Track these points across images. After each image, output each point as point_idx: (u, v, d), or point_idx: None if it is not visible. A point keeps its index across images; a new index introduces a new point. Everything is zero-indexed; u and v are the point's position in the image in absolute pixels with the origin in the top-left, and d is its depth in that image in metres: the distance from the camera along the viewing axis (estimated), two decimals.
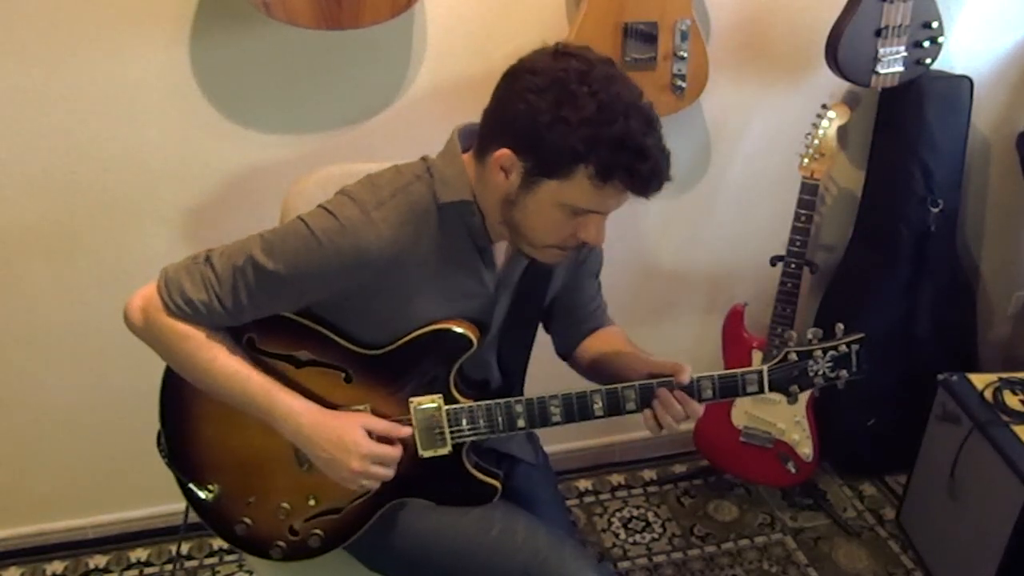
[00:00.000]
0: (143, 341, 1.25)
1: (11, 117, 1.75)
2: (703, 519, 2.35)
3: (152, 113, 1.82)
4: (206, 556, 2.20)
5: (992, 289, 2.57)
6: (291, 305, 1.25)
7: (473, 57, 1.92)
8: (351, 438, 1.22)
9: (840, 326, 1.30)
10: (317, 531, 1.35)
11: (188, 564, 2.17)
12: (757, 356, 2.17)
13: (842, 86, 2.14)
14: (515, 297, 1.35)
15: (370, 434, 1.24)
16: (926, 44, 1.98)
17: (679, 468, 2.53)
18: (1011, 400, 1.97)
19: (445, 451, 1.30)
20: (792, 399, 1.32)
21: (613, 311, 1.53)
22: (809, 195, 2.02)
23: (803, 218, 2.04)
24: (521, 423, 1.29)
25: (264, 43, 1.80)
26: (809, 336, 1.29)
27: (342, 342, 1.27)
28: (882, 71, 1.97)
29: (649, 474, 2.52)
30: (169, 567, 2.17)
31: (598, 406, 1.27)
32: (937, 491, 2.09)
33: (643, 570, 2.19)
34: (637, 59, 1.86)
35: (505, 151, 1.13)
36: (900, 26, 1.92)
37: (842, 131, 2.03)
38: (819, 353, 1.28)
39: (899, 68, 1.98)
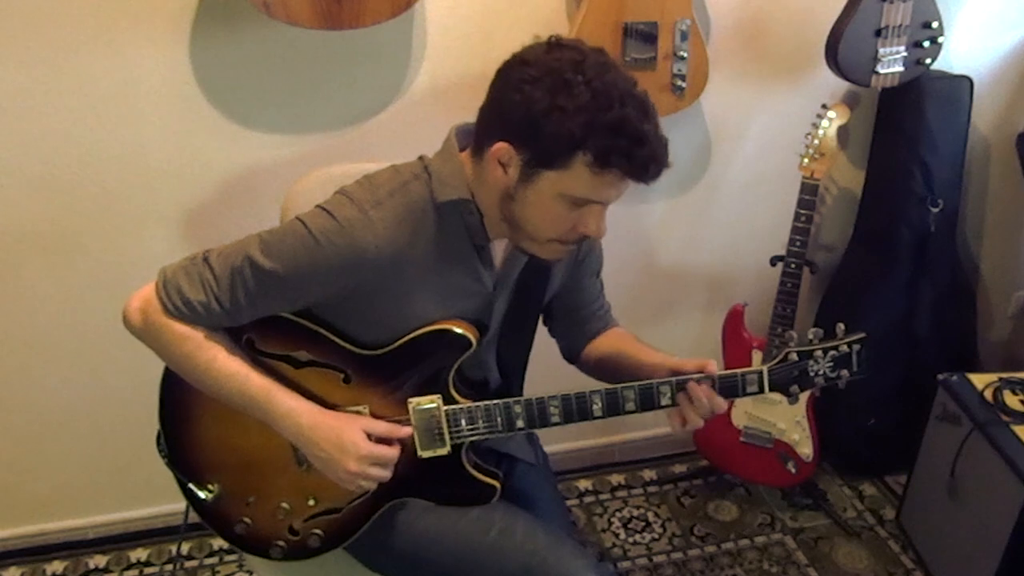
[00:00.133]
0: (142, 342, 1.25)
1: (12, 117, 1.75)
2: (703, 519, 2.35)
3: (152, 113, 1.82)
4: (206, 556, 2.20)
5: (992, 289, 2.57)
6: (290, 305, 1.25)
7: (473, 57, 1.92)
8: (349, 439, 1.22)
9: (841, 326, 1.30)
10: (317, 531, 1.35)
11: (188, 564, 2.17)
12: (757, 356, 2.17)
13: (842, 86, 2.14)
14: (514, 296, 1.35)
15: (369, 437, 1.24)
16: (926, 44, 1.98)
17: (679, 468, 2.53)
18: (1011, 400, 1.97)
19: (444, 451, 1.30)
20: (793, 399, 1.31)
21: (613, 311, 1.52)
22: (809, 195, 2.02)
23: (803, 218, 2.03)
24: (520, 423, 1.29)
25: (264, 43, 1.80)
26: (810, 336, 1.28)
27: (341, 342, 1.27)
28: (882, 71, 1.97)
29: (649, 474, 2.52)
30: (169, 567, 2.17)
31: (597, 407, 1.27)
32: (937, 491, 2.08)
33: (643, 570, 2.19)
34: (637, 59, 1.86)
35: (502, 144, 1.13)
36: (900, 26, 1.92)
37: (842, 131, 2.03)
38: (820, 353, 1.28)
39: (899, 68, 1.98)
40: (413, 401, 1.27)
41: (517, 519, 1.34)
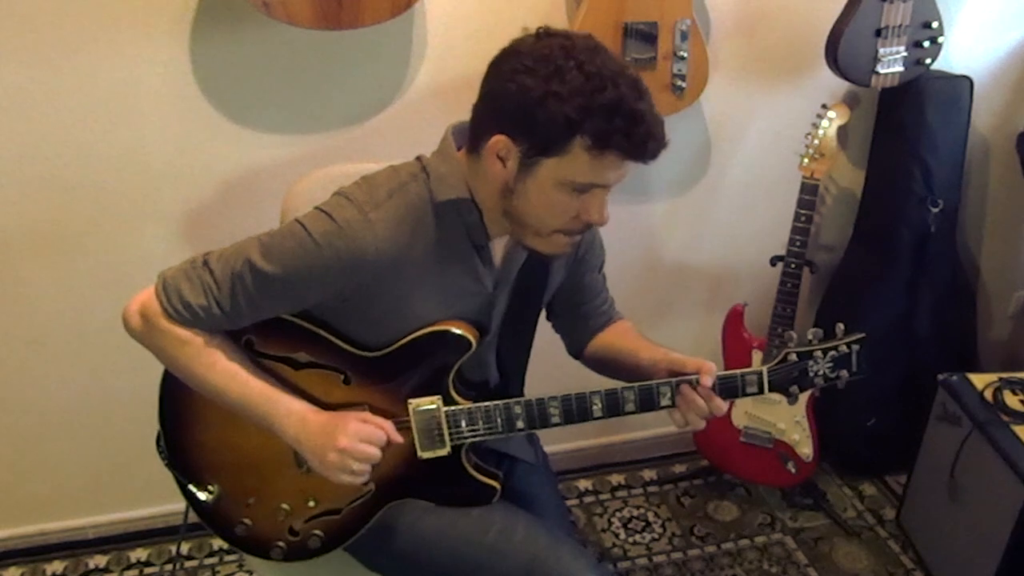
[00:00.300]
0: (142, 345, 1.25)
1: (12, 117, 1.75)
2: (703, 519, 2.35)
3: (152, 113, 1.81)
4: (206, 556, 2.20)
5: (992, 289, 2.57)
6: (290, 307, 1.25)
7: (473, 57, 1.91)
8: (341, 422, 1.21)
9: (840, 326, 1.30)
10: (317, 532, 1.35)
11: (188, 564, 2.17)
12: (757, 356, 2.17)
13: (842, 86, 2.14)
14: (513, 295, 1.35)
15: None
16: (926, 44, 1.98)
17: (679, 468, 2.53)
18: (1011, 400, 1.97)
19: (444, 452, 1.29)
20: (792, 399, 1.31)
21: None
22: (809, 195, 2.02)
23: (803, 218, 2.03)
24: (520, 424, 1.28)
25: (264, 43, 1.80)
26: (809, 336, 1.28)
27: (340, 344, 1.27)
28: (882, 71, 1.97)
29: (649, 474, 2.52)
30: (169, 567, 2.17)
31: (597, 407, 1.27)
32: (937, 491, 2.08)
33: (643, 570, 2.19)
34: (637, 59, 1.86)
35: (499, 137, 1.13)
36: (900, 26, 1.92)
37: (842, 131, 2.03)
38: (819, 353, 1.28)
39: (899, 68, 1.98)
40: (413, 402, 1.27)
41: (517, 520, 1.34)
